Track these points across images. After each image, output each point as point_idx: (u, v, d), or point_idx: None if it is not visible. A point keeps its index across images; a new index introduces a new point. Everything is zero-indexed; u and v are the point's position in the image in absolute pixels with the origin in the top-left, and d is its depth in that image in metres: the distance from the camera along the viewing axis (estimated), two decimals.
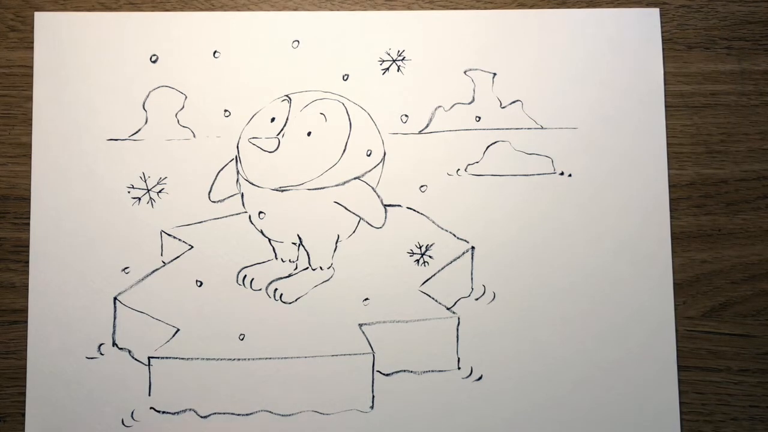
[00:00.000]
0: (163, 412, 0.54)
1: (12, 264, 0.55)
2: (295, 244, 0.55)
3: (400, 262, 0.55)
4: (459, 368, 0.54)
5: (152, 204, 0.55)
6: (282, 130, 0.55)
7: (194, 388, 0.54)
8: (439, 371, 0.54)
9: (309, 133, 0.55)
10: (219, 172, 0.55)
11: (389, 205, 0.55)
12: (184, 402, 0.54)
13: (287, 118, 0.56)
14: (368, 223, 0.55)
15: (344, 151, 0.55)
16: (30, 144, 0.55)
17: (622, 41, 0.57)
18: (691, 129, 0.56)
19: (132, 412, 0.54)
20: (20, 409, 0.54)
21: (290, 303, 0.55)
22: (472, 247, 0.55)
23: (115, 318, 0.54)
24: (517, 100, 0.56)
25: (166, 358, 0.54)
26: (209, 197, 0.55)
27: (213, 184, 0.55)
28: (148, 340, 0.54)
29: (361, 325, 0.54)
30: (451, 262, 0.55)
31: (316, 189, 0.55)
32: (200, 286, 0.55)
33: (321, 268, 0.55)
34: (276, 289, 0.55)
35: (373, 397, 0.54)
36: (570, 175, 0.56)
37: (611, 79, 0.56)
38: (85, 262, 0.54)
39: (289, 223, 0.55)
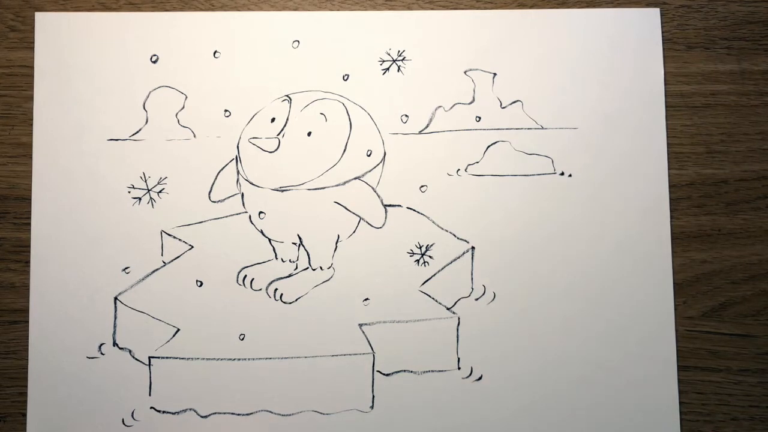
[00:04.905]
0: (164, 412, 0.54)
1: (12, 264, 0.55)
2: (295, 244, 0.55)
3: (400, 262, 0.55)
4: (459, 368, 0.54)
5: (152, 204, 0.55)
6: (282, 130, 0.55)
7: (194, 388, 0.54)
8: (439, 371, 0.54)
9: (309, 133, 0.55)
10: (219, 172, 0.56)
11: (389, 205, 0.56)
12: (185, 402, 0.54)
13: (287, 118, 0.56)
14: (368, 223, 0.55)
15: (344, 151, 0.55)
16: (30, 144, 0.55)
17: (622, 41, 0.57)
18: (691, 129, 0.56)
19: (132, 412, 0.54)
20: (21, 409, 0.54)
21: (290, 303, 0.55)
22: (472, 247, 0.55)
23: (115, 318, 0.54)
24: (517, 100, 0.56)
25: (167, 357, 0.54)
26: (209, 197, 0.55)
27: (213, 184, 0.55)
28: (149, 339, 0.54)
29: (361, 325, 0.55)
30: (451, 262, 0.55)
31: (316, 189, 0.55)
32: (200, 286, 0.55)
33: (321, 268, 0.55)
34: (276, 289, 0.55)
35: (373, 397, 0.54)
36: (570, 175, 0.56)
37: (611, 79, 0.56)
38: (85, 262, 0.55)
39: (289, 223, 0.55)
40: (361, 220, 0.55)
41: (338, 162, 0.55)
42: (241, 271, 0.55)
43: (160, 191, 0.55)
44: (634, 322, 0.55)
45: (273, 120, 0.56)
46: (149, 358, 0.54)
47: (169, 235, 0.55)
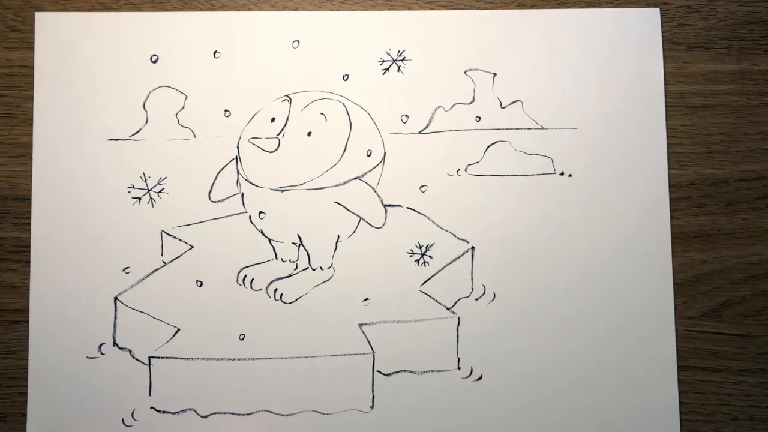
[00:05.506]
0: (164, 412, 0.54)
1: (12, 264, 0.55)
2: (295, 244, 0.55)
3: (400, 262, 0.55)
4: (459, 368, 0.54)
5: (152, 204, 0.55)
6: (282, 130, 0.56)
7: (194, 387, 0.54)
8: (439, 371, 0.54)
9: (309, 133, 0.56)
10: (219, 172, 0.56)
11: (389, 205, 0.56)
12: (185, 402, 0.54)
13: (287, 118, 0.56)
14: (368, 223, 0.55)
15: (344, 151, 0.55)
16: (30, 144, 0.55)
17: (622, 41, 0.57)
18: (691, 129, 0.56)
19: (132, 412, 0.54)
20: (21, 409, 0.54)
21: (290, 303, 0.55)
22: (472, 247, 0.55)
23: (115, 318, 0.54)
24: (517, 100, 0.56)
25: (167, 357, 0.54)
26: (209, 197, 0.55)
27: (213, 184, 0.55)
28: (149, 339, 0.54)
29: (361, 325, 0.55)
30: (451, 262, 0.55)
31: (316, 189, 0.55)
32: (200, 286, 0.55)
33: (321, 268, 0.55)
34: (276, 289, 0.55)
35: (373, 397, 0.54)
36: (570, 175, 0.56)
37: (611, 79, 0.56)
38: (85, 262, 0.55)
39: (289, 223, 0.55)
40: (361, 220, 0.55)
41: (338, 162, 0.55)
42: (241, 271, 0.55)
43: (160, 191, 0.55)
44: (634, 322, 0.55)
45: (273, 120, 0.56)
46: (149, 358, 0.54)
47: (169, 235, 0.55)
